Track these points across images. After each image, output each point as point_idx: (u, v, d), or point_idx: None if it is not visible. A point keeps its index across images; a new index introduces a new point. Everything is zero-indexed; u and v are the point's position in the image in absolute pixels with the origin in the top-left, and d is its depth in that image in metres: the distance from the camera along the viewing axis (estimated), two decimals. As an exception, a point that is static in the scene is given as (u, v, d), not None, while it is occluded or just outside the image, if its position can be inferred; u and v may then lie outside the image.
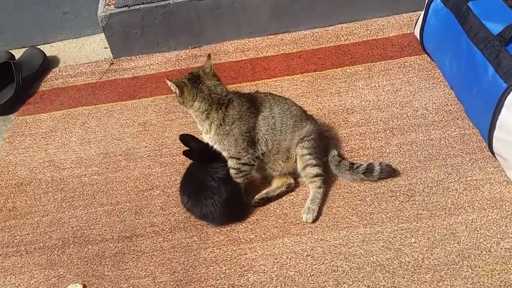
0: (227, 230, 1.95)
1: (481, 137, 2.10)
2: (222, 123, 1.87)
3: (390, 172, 1.98)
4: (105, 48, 3.12)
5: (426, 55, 2.59)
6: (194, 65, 2.88)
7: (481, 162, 2.02)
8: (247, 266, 1.81)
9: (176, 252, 1.90)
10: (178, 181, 2.16)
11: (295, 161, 2.00)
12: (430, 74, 2.49)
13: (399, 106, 2.34)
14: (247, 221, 1.96)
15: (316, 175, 1.95)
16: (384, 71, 2.56)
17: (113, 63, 3.01)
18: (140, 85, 2.81)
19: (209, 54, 2.04)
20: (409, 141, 2.16)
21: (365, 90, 2.47)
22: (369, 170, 1.96)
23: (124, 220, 2.06)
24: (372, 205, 1.94)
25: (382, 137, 2.20)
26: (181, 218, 2.03)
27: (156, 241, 1.96)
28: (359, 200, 1.96)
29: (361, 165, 1.98)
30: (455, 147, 2.11)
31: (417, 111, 2.30)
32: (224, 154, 1.94)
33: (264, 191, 2.01)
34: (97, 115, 2.65)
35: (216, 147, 1.94)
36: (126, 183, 2.23)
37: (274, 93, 2.12)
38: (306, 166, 1.96)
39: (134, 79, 2.86)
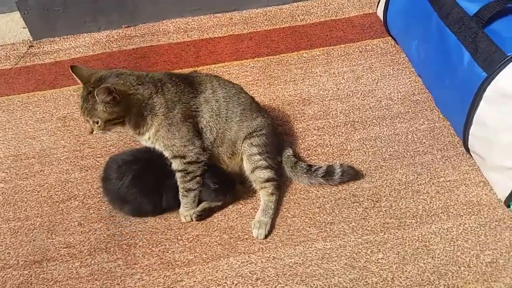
0: (159, 250, 1.60)
1: (454, 131, 1.85)
2: (165, 112, 1.57)
3: (352, 175, 1.70)
4: (24, 28, 2.65)
5: (390, 38, 2.32)
6: (127, 47, 2.47)
7: (455, 160, 1.77)
8: (183, 295, 1.48)
9: (96, 280, 1.54)
10: (101, 189, 1.79)
11: (241, 159, 1.67)
12: (395, 59, 2.22)
13: (361, 95, 2.06)
14: (185, 237, 1.62)
15: (268, 180, 1.64)
16: (344, 55, 2.27)
17: (33, 46, 2.56)
18: (63, 71, 2.38)
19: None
20: (372, 136, 1.89)
21: (323, 77, 2.17)
22: (328, 173, 1.67)
23: (34, 240, 1.67)
24: (332, 213, 1.65)
25: (342, 132, 1.91)
26: (103, 237, 1.66)
27: (72, 266, 1.58)
28: (317, 207, 1.67)
29: (320, 167, 1.68)
30: (424, 142, 1.85)
31: (380, 101, 2.03)
32: (167, 153, 1.61)
33: (205, 202, 1.68)
34: (9, 108, 2.21)
35: (158, 146, 1.61)
36: (38, 192, 1.83)
37: (219, 76, 1.78)
38: (256, 169, 1.64)
39: (56, 64, 2.43)
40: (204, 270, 1.54)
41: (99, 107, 1.46)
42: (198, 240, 1.62)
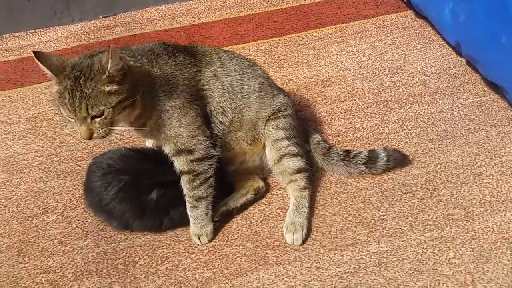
0: (166, 268, 1.24)
1: (506, 104, 1.57)
2: (166, 90, 1.21)
3: (399, 160, 1.39)
4: (-18, 24, 2.28)
5: (408, 11, 2.06)
6: (106, 37, 2.13)
7: (514, 136, 1.49)
8: (204, 325, 1.12)
9: (86, 313, 1.16)
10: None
11: (264, 147, 1.34)
12: (419, 33, 1.95)
13: (389, 72, 1.77)
14: (198, 250, 1.27)
15: (299, 170, 1.31)
16: (361, 32, 1.98)
17: (-7, 42, 2.18)
18: (31, 68, 2.01)
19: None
20: (412, 116, 1.59)
21: (341, 56, 1.87)
22: (371, 159, 1.36)
23: (0, 267, 1.28)
24: (382, 208, 1.32)
25: (375, 113, 1.61)
26: (92, 256, 1.28)
27: (52, 297, 1.20)
28: (361, 202, 1.34)
29: (360, 152, 1.37)
30: (473, 119, 1.56)
31: (413, 77, 1.74)
32: (168, 148, 1.24)
33: (223, 202, 1.33)
34: (-35, 111, 1.82)
35: (158, 139, 1.25)
36: (5, 207, 1.45)
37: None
38: (283, 157, 1.31)
39: (23, 61, 2.06)
40: (228, 289, 1.18)
41: (104, 88, 1.07)
42: (215, 251, 1.26)
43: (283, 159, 1.31)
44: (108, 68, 1.06)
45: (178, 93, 1.21)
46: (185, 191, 1.26)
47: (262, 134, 1.33)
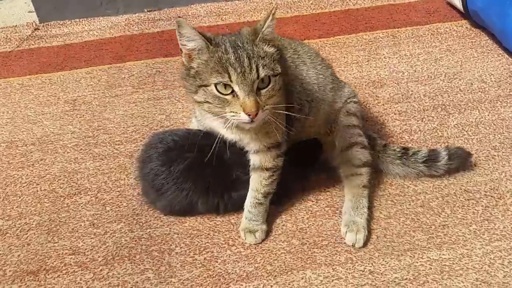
0: (204, 259, 1.14)
1: None
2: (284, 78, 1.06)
3: (463, 158, 1.27)
4: (30, 12, 2.29)
5: (463, 21, 1.97)
6: (150, 30, 2.10)
7: None
8: (244, 323, 1.01)
9: (116, 299, 1.07)
10: (121, 182, 1.35)
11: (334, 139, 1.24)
12: (475, 42, 1.85)
13: (445, 78, 1.67)
14: (239, 243, 1.17)
15: (366, 164, 1.21)
16: (414, 37, 1.90)
17: (38, 28, 2.20)
18: (73, 54, 1.99)
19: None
20: (472, 122, 1.48)
21: (393, 59, 1.79)
22: (431, 157, 1.25)
23: (28, 244, 1.21)
24: (443, 214, 1.20)
25: (433, 117, 1.50)
26: (125, 241, 1.20)
27: (81, 279, 1.11)
28: (420, 206, 1.23)
29: (420, 150, 1.26)
30: (540, 129, 1.44)
31: (472, 84, 1.63)
32: (258, 145, 1.10)
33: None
34: (5, 91, 1.80)
35: (256, 138, 1.09)
36: (37, 185, 1.38)
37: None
38: (353, 146, 1.21)
39: (66, 47, 2.04)
40: (271, 286, 1.07)
41: (264, 48, 0.96)
42: (258, 246, 1.16)
43: (352, 148, 1.21)
44: (263, 28, 0.95)
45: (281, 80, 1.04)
46: (257, 187, 1.14)
47: (333, 127, 1.23)
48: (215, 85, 0.95)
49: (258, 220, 1.16)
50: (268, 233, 1.18)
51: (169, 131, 1.26)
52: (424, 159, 1.25)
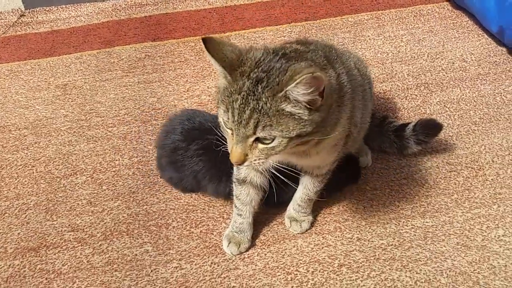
0: (201, 231, 1.19)
1: (551, 91, 1.52)
2: (351, 97, 0.94)
3: (429, 129, 1.28)
4: (15, -2, 2.28)
5: (445, 3, 2.03)
6: (138, 15, 2.11)
7: (561, 122, 1.44)
8: (240, 290, 1.06)
9: (116, 271, 1.11)
10: (115, 162, 1.39)
11: None
12: (456, 23, 1.92)
13: (428, 58, 1.73)
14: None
15: None
16: (397, 19, 1.95)
17: (24, 15, 2.19)
18: (61, 39, 2.00)
19: None
20: (454, 99, 1.54)
21: (378, 40, 1.84)
22: (401, 128, 1.31)
23: (27, 223, 1.24)
24: (426, 185, 1.27)
25: (416, 95, 1.56)
26: (123, 217, 1.24)
27: (81, 254, 1.15)
28: (405, 178, 1.29)
29: (395, 121, 1.33)
30: (517, 105, 1.51)
31: (453, 63, 1.70)
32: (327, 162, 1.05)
33: None
34: (-6, 77, 1.80)
35: (322, 158, 1.01)
36: (33, 167, 1.41)
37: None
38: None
39: (53, 33, 2.04)
40: (265, 254, 1.13)
41: (282, 106, 0.78)
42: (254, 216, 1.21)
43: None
44: (288, 87, 0.76)
45: (356, 94, 0.97)
46: (309, 187, 1.10)
47: None
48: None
49: (306, 212, 1.16)
50: (313, 223, 1.18)
51: (199, 111, 1.27)
52: (395, 128, 1.31)
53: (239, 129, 0.81)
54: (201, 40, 0.83)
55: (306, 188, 1.11)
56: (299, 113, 0.79)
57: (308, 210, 1.17)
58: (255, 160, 0.83)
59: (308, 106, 0.79)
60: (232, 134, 0.83)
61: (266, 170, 1.04)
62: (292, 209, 1.17)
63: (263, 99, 0.78)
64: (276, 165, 0.93)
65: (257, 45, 0.89)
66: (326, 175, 1.09)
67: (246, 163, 0.83)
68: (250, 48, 0.86)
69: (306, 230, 1.17)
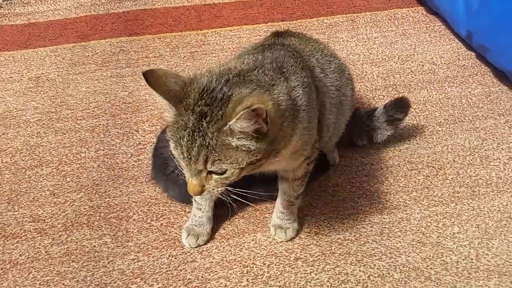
0: (161, 225, 1.19)
1: (515, 95, 1.56)
2: (306, 106, 0.93)
3: (399, 102, 1.32)
4: (-8, -9, 2.27)
5: (420, 7, 2.07)
6: (116, 10, 2.12)
7: (523, 125, 1.47)
8: (196, 282, 1.07)
9: (73, 262, 1.11)
10: (81, 154, 1.39)
11: None
12: (429, 27, 1.95)
13: (399, 60, 1.76)
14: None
15: None
16: (372, 22, 1.98)
17: (1, 7, 2.18)
18: (38, 32, 1.99)
19: None
20: (420, 100, 1.57)
21: (351, 42, 1.86)
22: (371, 111, 1.36)
23: (-13, 213, 1.24)
24: (386, 182, 1.29)
25: (383, 95, 1.59)
26: (84, 209, 1.24)
27: (40, 244, 1.15)
28: (365, 176, 1.31)
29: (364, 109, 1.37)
30: (482, 107, 1.54)
31: (423, 65, 1.73)
32: (294, 165, 1.04)
33: None
34: (-34, 69, 1.79)
35: (285, 162, 0.98)
36: (-2, 158, 1.41)
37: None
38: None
39: (30, 26, 2.04)
40: (224, 248, 1.13)
41: (240, 143, 0.79)
42: (214, 213, 1.22)
43: None
44: (231, 122, 0.76)
45: (313, 104, 0.96)
46: (289, 193, 1.10)
47: None
48: None
49: (290, 218, 1.14)
50: (298, 231, 1.16)
51: None
52: (366, 113, 1.35)
53: (190, 164, 0.81)
54: (142, 75, 0.82)
55: (286, 194, 1.11)
56: (246, 145, 0.79)
57: (292, 216, 1.14)
58: (213, 189, 0.84)
59: (255, 135, 0.78)
60: (186, 167, 0.83)
61: None
62: (276, 217, 1.15)
63: (209, 134, 0.78)
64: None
65: (201, 71, 0.88)
66: (304, 178, 1.08)
67: (205, 193, 0.85)
68: (194, 77, 0.85)
69: (292, 238, 1.14)
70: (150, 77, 0.81)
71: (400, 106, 1.31)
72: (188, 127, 0.79)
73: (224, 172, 0.81)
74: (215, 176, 0.83)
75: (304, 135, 0.93)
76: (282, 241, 1.14)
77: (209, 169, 0.81)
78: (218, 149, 0.78)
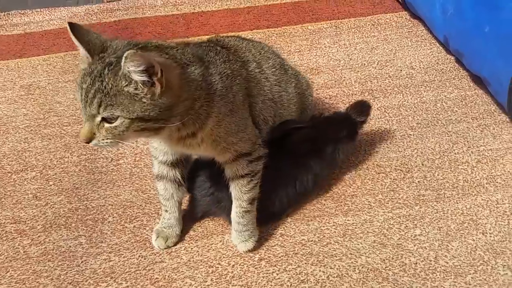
0: (134, 227, 1.25)
1: (489, 99, 1.58)
2: (223, 93, 1.00)
3: (359, 106, 1.36)
4: (-9, 2, 2.36)
5: (404, 12, 2.09)
6: (108, 19, 2.19)
7: (494, 129, 1.49)
8: (162, 281, 1.12)
9: (49, 261, 1.17)
10: (65, 159, 1.45)
11: None
12: (412, 32, 1.98)
13: (378, 65, 1.79)
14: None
15: None
16: (355, 28, 2.02)
17: (-1, 18, 2.26)
18: (32, 42, 2.08)
19: None
20: (395, 105, 1.60)
21: (333, 48, 1.90)
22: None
23: (-27, 216, 1.31)
24: (354, 185, 1.33)
25: (359, 100, 1.62)
26: (63, 211, 1.30)
27: (19, 245, 1.22)
28: (334, 179, 1.35)
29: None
30: (456, 111, 1.57)
31: (401, 70, 1.76)
32: (227, 156, 1.08)
33: None
34: (-37, 77, 1.88)
35: (212, 149, 1.06)
36: (-13, 162, 1.48)
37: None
38: None
39: (25, 36, 2.12)
40: (192, 249, 1.18)
41: (123, 86, 0.85)
42: (185, 216, 1.27)
43: None
44: (123, 63, 0.82)
45: (234, 93, 1.03)
46: (238, 196, 1.11)
47: None
48: None
49: (248, 229, 1.14)
50: (259, 239, 1.17)
51: None
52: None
53: (85, 107, 0.87)
54: (68, 24, 0.89)
55: (237, 199, 1.12)
56: (139, 95, 0.85)
57: (250, 226, 1.14)
58: (102, 139, 0.89)
59: (151, 89, 0.84)
60: (83, 113, 0.89)
61: (180, 164, 1.13)
62: (234, 231, 1.16)
63: (106, 79, 0.84)
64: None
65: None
66: (251, 179, 1.10)
67: (93, 141, 0.89)
68: (117, 38, 0.93)
69: (254, 247, 1.16)
70: (75, 29, 0.89)
71: (361, 109, 1.34)
72: (93, 73, 0.86)
73: (115, 120, 0.86)
74: (106, 125, 0.87)
75: (223, 122, 1.00)
76: (246, 251, 1.16)
77: (102, 114, 0.86)
78: (112, 94, 0.84)
